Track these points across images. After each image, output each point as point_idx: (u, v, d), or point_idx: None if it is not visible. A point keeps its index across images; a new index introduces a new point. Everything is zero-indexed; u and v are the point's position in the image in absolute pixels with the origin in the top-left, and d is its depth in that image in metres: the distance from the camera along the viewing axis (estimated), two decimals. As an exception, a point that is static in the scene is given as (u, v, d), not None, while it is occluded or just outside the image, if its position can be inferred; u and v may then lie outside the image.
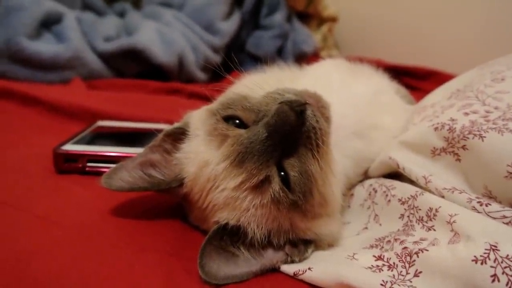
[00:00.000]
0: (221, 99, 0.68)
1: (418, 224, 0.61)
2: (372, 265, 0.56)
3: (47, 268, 0.54)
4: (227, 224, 0.58)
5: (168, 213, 0.70)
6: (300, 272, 0.57)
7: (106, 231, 0.64)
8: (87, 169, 0.83)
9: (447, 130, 0.65)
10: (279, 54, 1.94)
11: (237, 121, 0.61)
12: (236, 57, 0.75)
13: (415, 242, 0.57)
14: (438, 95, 0.83)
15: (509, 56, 0.78)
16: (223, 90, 0.74)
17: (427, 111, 0.79)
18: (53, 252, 0.57)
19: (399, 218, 0.65)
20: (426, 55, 1.90)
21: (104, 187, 0.63)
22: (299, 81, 0.80)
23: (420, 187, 0.66)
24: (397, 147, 0.74)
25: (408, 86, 1.32)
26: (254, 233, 0.57)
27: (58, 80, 1.44)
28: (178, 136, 0.67)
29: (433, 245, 0.55)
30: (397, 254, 0.56)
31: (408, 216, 0.64)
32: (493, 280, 0.46)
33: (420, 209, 0.62)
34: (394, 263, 0.55)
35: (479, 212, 0.56)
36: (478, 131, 0.61)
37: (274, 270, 0.60)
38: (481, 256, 0.48)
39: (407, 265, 0.54)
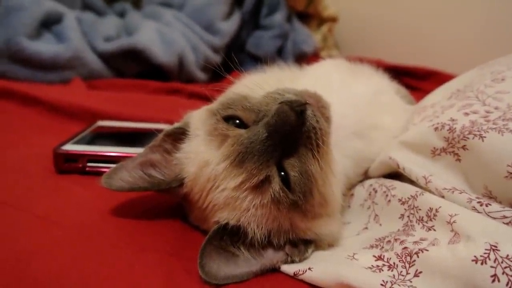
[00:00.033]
0: (221, 99, 0.68)
1: (418, 224, 0.61)
2: (372, 265, 0.56)
3: (47, 268, 0.54)
4: (227, 224, 0.58)
5: (168, 213, 0.70)
6: (300, 272, 0.57)
7: (106, 231, 0.64)
8: (87, 169, 0.83)
9: (447, 130, 0.65)
10: (279, 54, 1.94)
11: (237, 121, 0.61)
12: (236, 57, 0.75)
13: (415, 242, 0.57)
14: (438, 95, 0.83)
15: (509, 56, 0.78)
16: (223, 90, 0.74)
17: (427, 111, 0.79)
18: (53, 252, 0.57)
19: (399, 218, 0.65)
20: (426, 55, 1.90)
21: (104, 187, 0.63)
22: (299, 81, 0.80)
23: (420, 187, 0.66)
24: (397, 147, 0.74)
25: (408, 86, 1.32)
26: (254, 233, 0.57)
27: (58, 80, 1.44)
28: (178, 136, 0.67)
29: (433, 245, 0.55)
30: (397, 254, 0.56)
31: (408, 216, 0.64)
32: (493, 280, 0.46)
33: (420, 209, 0.62)
34: (394, 263, 0.55)
35: (479, 212, 0.56)
36: (478, 131, 0.61)
37: (274, 270, 0.59)
38: (481, 256, 0.48)
39: (407, 265, 0.54)
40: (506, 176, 0.56)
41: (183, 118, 0.71)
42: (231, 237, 0.58)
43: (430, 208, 0.60)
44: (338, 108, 0.68)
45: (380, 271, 0.55)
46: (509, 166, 0.55)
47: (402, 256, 0.55)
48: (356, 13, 2.24)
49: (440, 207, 0.59)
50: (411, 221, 0.63)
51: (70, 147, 0.84)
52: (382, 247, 0.61)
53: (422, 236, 0.58)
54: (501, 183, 0.56)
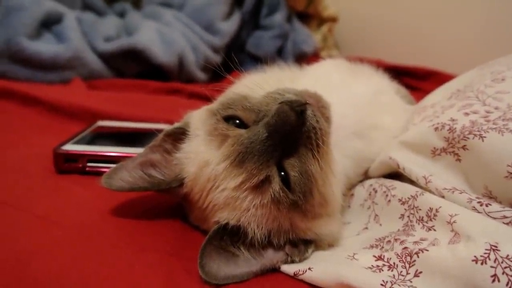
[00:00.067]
0: (221, 99, 0.68)
1: (418, 224, 0.61)
2: (372, 265, 0.56)
3: (47, 268, 0.54)
4: (227, 224, 0.58)
5: (168, 213, 0.70)
6: (300, 272, 0.57)
7: (106, 231, 0.64)
8: (87, 169, 0.83)
9: (447, 130, 0.65)
10: (279, 54, 1.94)
11: (237, 121, 0.61)
12: (236, 57, 0.75)
13: (415, 242, 0.57)
14: (438, 95, 0.83)
15: (509, 56, 0.78)
16: (223, 90, 0.74)
17: (427, 111, 0.79)
18: (53, 252, 0.57)
19: (399, 218, 0.65)
20: (426, 55, 1.90)
21: (104, 187, 0.63)
22: (299, 81, 0.80)
23: (420, 187, 0.66)
24: (397, 147, 0.74)
25: (408, 86, 1.32)
26: (254, 233, 0.57)
27: (58, 80, 1.44)
28: (178, 136, 0.67)
29: (433, 245, 0.55)
30: (397, 254, 0.56)
31: (408, 216, 0.64)
32: (493, 280, 0.46)
33: (420, 209, 0.62)
34: (394, 263, 0.55)
35: (479, 212, 0.56)
36: (478, 131, 0.61)
37: (274, 270, 0.59)
38: (481, 256, 0.48)
39: (407, 265, 0.54)
40: (506, 176, 0.56)
41: (183, 118, 0.71)
42: (231, 237, 0.58)
43: (430, 208, 0.60)
44: (338, 108, 0.68)
45: (380, 271, 0.55)
46: (509, 166, 0.55)
47: (402, 256, 0.55)
48: (356, 13, 2.24)
49: (440, 207, 0.59)
50: (411, 221, 0.63)
51: (70, 147, 0.84)
52: (382, 247, 0.61)
53: (422, 236, 0.58)
54: (501, 183, 0.56)
